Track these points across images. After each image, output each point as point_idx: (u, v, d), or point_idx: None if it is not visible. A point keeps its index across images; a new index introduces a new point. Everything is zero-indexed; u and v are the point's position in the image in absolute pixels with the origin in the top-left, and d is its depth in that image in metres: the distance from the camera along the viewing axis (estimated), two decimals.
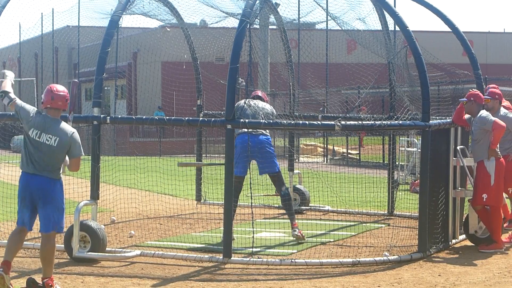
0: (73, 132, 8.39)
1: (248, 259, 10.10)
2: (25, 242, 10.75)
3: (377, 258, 10.12)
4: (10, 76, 8.72)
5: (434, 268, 9.84)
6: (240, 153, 11.39)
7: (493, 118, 10.92)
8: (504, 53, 49.47)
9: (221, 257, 10.09)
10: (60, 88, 8.52)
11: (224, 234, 10.16)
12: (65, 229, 10.37)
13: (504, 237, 11.36)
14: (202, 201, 15.39)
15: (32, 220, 8.47)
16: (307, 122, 10.98)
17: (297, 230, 11.46)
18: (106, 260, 10.16)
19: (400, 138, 20.81)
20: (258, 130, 11.51)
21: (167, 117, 11.36)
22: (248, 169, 11.53)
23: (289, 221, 11.80)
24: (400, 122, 10.86)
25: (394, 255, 10.28)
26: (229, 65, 10.09)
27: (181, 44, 15.78)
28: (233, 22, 13.40)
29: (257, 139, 11.55)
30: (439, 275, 9.40)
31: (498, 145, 10.96)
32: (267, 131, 11.72)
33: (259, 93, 12.31)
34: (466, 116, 11.18)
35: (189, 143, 29.97)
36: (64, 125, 8.42)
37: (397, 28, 12.14)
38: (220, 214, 12.90)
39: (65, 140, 8.31)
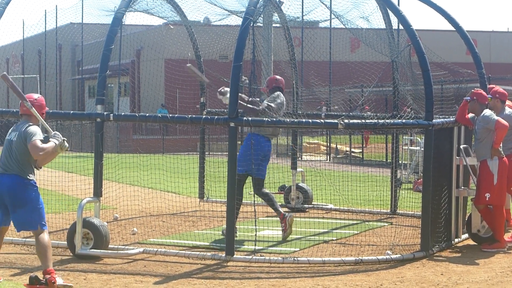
0: (29, 125, 8.49)
1: (250, 257, 10.10)
2: (27, 239, 10.82)
3: (380, 257, 10.12)
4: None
5: (436, 267, 9.84)
6: (264, 157, 11.77)
7: (496, 117, 10.91)
8: (507, 52, 49.40)
9: (224, 255, 10.09)
10: (32, 96, 8.74)
11: (226, 231, 10.17)
12: (67, 226, 10.48)
13: (507, 237, 11.35)
14: (205, 198, 15.39)
15: (6, 218, 8.52)
16: (310, 120, 10.96)
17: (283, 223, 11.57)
18: (109, 257, 10.17)
19: (404, 137, 20.81)
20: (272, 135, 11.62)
21: (170, 115, 11.37)
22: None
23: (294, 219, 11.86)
24: (404, 121, 10.85)
25: (396, 254, 10.28)
26: (233, 63, 10.09)
27: (184, 41, 15.79)
28: (237, 20, 13.42)
29: (269, 144, 11.77)
30: (442, 274, 9.40)
31: (501, 144, 10.95)
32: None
33: (278, 79, 12.13)
34: (470, 115, 11.17)
35: (192, 140, 30.01)
36: (28, 124, 8.52)
37: (401, 27, 12.14)
38: (222, 212, 12.91)
39: (20, 132, 8.44)
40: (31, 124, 8.53)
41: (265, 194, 11.82)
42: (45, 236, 8.45)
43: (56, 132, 8.74)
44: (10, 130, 8.67)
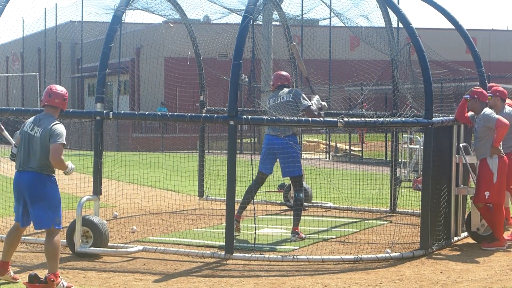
0: (55, 123, 8.42)
1: (250, 255, 10.10)
2: (27, 237, 10.83)
3: (379, 255, 10.13)
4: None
5: (436, 265, 9.85)
6: (265, 153, 11.71)
7: (497, 116, 10.91)
8: (507, 51, 49.43)
9: (223, 253, 10.09)
10: (59, 88, 8.69)
11: (226, 230, 10.17)
12: (67, 224, 10.49)
13: (506, 235, 11.36)
14: (204, 197, 15.39)
15: (24, 217, 8.51)
16: (309, 118, 10.96)
17: (296, 236, 11.43)
18: (108, 255, 10.17)
19: (403, 135, 20.80)
20: (279, 132, 11.54)
21: (170, 113, 11.35)
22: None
23: (290, 217, 11.80)
24: (403, 119, 10.85)
25: (396, 252, 10.28)
26: (232, 61, 10.09)
27: (184, 40, 15.79)
28: (236, 18, 13.41)
29: (279, 141, 11.55)
30: (441, 272, 9.40)
31: (501, 143, 10.95)
32: (290, 131, 11.63)
33: (283, 75, 12.06)
34: (469, 113, 11.17)
35: (191, 139, 30.00)
36: (53, 120, 8.48)
37: (401, 25, 12.13)
38: (222, 210, 12.91)
39: (45, 130, 8.37)
40: (57, 122, 8.46)
41: (295, 199, 11.74)
42: (57, 237, 8.39)
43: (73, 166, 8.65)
44: (30, 123, 8.54)
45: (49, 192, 8.40)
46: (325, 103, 11.94)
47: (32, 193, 8.34)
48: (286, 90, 11.72)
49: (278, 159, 11.70)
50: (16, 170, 8.57)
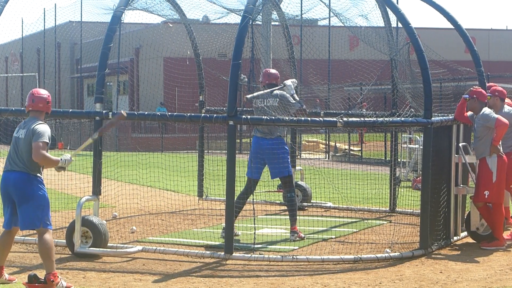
0: (38, 123, 8.45)
1: (249, 255, 10.11)
2: (27, 238, 10.84)
3: (379, 255, 10.13)
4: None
5: (435, 265, 9.85)
6: (252, 155, 11.56)
7: (496, 116, 10.91)
8: (506, 50, 49.40)
9: (223, 253, 10.09)
10: (42, 92, 8.70)
11: (226, 230, 10.17)
12: (66, 224, 10.48)
13: (506, 234, 11.36)
14: (204, 197, 15.38)
15: (14, 217, 8.50)
16: (309, 118, 10.95)
17: (295, 234, 11.43)
18: (108, 255, 10.17)
19: (402, 135, 20.81)
20: (266, 133, 11.47)
21: (169, 113, 11.36)
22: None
23: (288, 217, 11.82)
24: (402, 119, 10.85)
25: (395, 252, 10.28)
26: (231, 61, 10.09)
27: (183, 40, 15.79)
28: (236, 18, 13.40)
29: (267, 142, 11.48)
30: (441, 272, 9.40)
31: (500, 142, 10.95)
32: (277, 133, 11.55)
33: (271, 73, 11.95)
34: (468, 113, 11.17)
35: (191, 139, 30.02)
36: (37, 121, 8.50)
37: (400, 25, 12.13)
38: (222, 210, 12.91)
39: (29, 130, 8.40)
40: (40, 122, 8.48)
41: (288, 199, 11.70)
42: (48, 236, 8.37)
43: (70, 157, 8.62)
44: (17, 127, 8.61)
45: (37, 191, 8.40)
46: (292, 79, 11.91)
47: (20, 193, 8.35)
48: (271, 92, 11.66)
49: (266, 161, 11.63)
50: (3, 171, 8.57)
